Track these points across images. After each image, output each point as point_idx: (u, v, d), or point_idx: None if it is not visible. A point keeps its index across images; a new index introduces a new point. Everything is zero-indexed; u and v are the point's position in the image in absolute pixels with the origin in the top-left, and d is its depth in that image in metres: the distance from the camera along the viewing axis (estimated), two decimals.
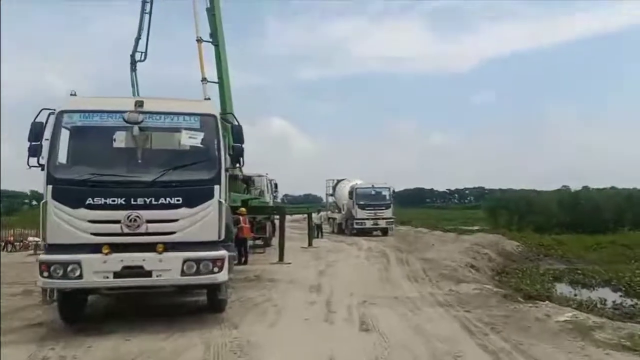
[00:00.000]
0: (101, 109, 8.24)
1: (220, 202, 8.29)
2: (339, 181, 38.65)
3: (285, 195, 61.27)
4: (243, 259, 17.53)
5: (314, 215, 30.58)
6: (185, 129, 8.42)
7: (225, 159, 8.74)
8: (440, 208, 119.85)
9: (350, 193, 33.75)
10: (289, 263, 17.43)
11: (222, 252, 8.30)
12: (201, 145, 8.44)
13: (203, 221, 8.17)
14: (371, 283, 13.28)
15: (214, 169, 8.35)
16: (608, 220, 42.63)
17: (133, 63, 21.64)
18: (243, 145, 8.91)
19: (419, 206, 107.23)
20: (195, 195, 8.18)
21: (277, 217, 33.10)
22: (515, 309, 9.80)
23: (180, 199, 8.08)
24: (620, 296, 16.99)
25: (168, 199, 8.03)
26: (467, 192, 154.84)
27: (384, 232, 33.38)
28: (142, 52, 20.40)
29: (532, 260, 24.84)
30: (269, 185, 26.69)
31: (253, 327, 8.25)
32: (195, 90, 23.98)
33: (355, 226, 32.84)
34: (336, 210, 37.86)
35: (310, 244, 24.46)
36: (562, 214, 45.89)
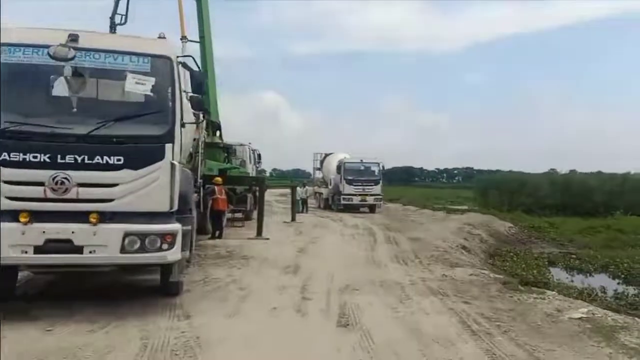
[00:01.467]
0: (25, 42, 6.60)
1: (173, 165, 6.75)
2: (326, 155, 37.08)
3: (274, 170, 59.96)
4: (217, 233, 16.07)
5: (299, 189, 29.17)
6: (132, 72, 6.80)
7: (182, 112, 7.18)
8: (429, 187, 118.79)
9: (338, 167, 32.24)
10: (267, 239, 15.98)
11: (174, 226, 6.80)
12: (151, 94, 6.86)
13: (150, 187, 6.64)
14: (356, 264, 11.87)
15: (166, 124, 6.79)
16: (599, 204, 41.74)
17: (112, 26, 19.50)
18: (203, 97, 7.32)
19: (408, 184, 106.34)
20: (141, 154, 6.63)
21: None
22: (519, 301, 8.44)
23: (122, 158, 6.53)
24: (619, 283, 15.84)
25: (106, 157, 6.48)
26: (455, 171, 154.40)
27: (372, 208, 32.01)
28: (122, 15, 18.29)
29: (525, 242, 23.65)
30: (251, 155, 25.08)
31: (208, 317, 6.79)
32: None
33: (342, 202, 31.43)
34: (323, 185, 36.38)
35: (293, 219, 23.05)
36: (553, 197, 44.91)
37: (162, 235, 6.66)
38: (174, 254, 6.75)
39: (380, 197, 32.45)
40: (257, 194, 23.08)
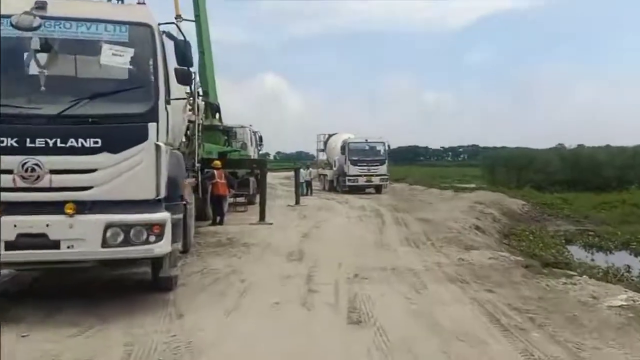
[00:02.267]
0: None
1: (158, 147, 5.98)
2: (330, 136, 36.19)
3: (278, 153, 59.16)
4: (219, 219, 15.36)
5: (302, 171, 28.39)
6: (108, 42, 6.00)
7: (167, 87, 6.39)
8: (434, 165, 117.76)
9: (342, 148, 31.35)
10: (270, 223, 15.26)
11: (162, 215, 6.05)
12: (130, 67, 6.06)
13: (133, 172, 5.88)
14: (364, 249, 11.14)
15: (149, 101, 6.00)
16: (611, 178, 40.84)
17: None
18: (192, 70, 6.51)
19: (413, 163, 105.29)
20: (121, 136, 5.86)
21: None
22: (548, 287, 7.70)
23: (99, 141, 5.76)
24: None
25: (81, 140, 5.71)
26: (461, 149, 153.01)
27: (378, 189, 31.22)
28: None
29: (539, 220, 22.87)
30: (252, 137, 24.27)
31: (203, 315, 6.07)
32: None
33: (347, 183, 30.62)
34: (327, 167, 35.56)
35: (297, 202, 22.32)
36: (563, 172, 44.01)
37: (149, 226, 5.92)
38: (162, 247, 6.01)
39: (386, 177, 31.64)
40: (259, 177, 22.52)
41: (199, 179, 13.40)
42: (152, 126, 5.95)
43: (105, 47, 5.96)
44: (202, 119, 16.16)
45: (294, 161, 29.96)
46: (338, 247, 11.37)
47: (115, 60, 5.96)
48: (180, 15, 21.52)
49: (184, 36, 6.47)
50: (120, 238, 5.81)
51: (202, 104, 16.20)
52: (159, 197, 6.09)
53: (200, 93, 21.29)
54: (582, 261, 14.08)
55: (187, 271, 8.61)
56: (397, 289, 7.44)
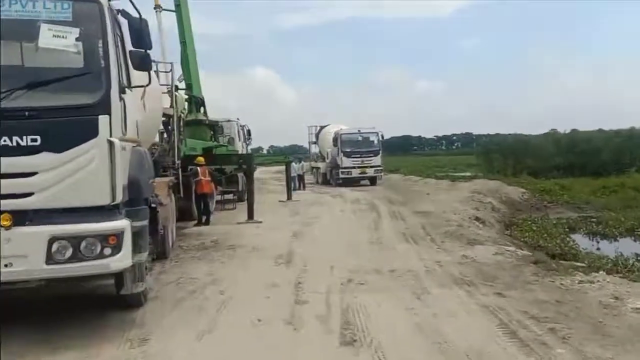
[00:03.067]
0: None
1: (111, 143, 5.08)
2: (322, 127, 35.27)
3: (271, 147, 58.21)
4: (204, 218, 14.47)
5: (294, 165, 27.50)
6: (47, 22, 5.08)
7: (122, 73, 5.48)
8: (428, 155, 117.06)
9: (335, 140, 30.46)
10: (260, 222, 14.39)
11: (119, 223, 5.15)
12: (74, 50, 5.15)
13: (81, 174, 4.98)
14: (359, 248, 10.30)
15: (98, 89, 5.09)
16: (608, 162, 40.17)
17: None
18: (149, 52, 5.59)
19: (407, 153, 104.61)
20: (65, 132, 4.95)
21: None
22: (564, 287, 6.88)
23: (39, 138, 4.84)
24: None
25: (16, 138, 4.80)
26: (454, 138, 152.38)
27: (372, 181, 30.38)
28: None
29: (539, 208, 22.11)
30: (240, 131, 23.32)
31: (172, 339, 5.19)
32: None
33: (341, 176, 29.76)
34: (320, 159, 34.69)
35: (289, 198, 21.44)
36: (559, 157, 43.30)
37: (103, 237, 5.03)
38: (120, 261, 5.12)
39: (380, 168, 30.82)
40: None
41: (180, 177, 12.55)
42: (103, 120, 5.04)
43: (44, 28, 5.03)
44: (183, 113, 15.27)
45: (285, 155, 28.92)
46: (330, 246, 10.52)
47: (57, 42, 5.04)
48: (159, 5, 20.70)
49: (139, 13, 5.52)
50: (69, 252, 4.93)
51: (182, 96, 15.29)
52: (116, 203, 5.19)
53: (183, 86, 20.50)
54: (589, 251, 13.34)
55: (162, 280, 7.76)
56: (396, 296, 6.59)
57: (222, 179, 18.77)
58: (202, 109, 20.36)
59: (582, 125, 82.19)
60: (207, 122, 20.19)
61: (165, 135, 14.22)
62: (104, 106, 5.06)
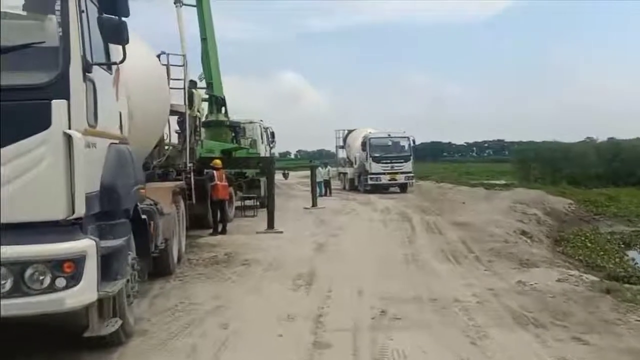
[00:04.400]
0: None
1: (69, 137, 3.80)
2: (349, 131, 33.82)
3: (299, 151, 57.12)
4: (220, 227, 13.21)
5: (320, 170, 26.15)
6: None
7: (86, 46, 4.19)
8: (459, 162, 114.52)
9: (363, 144, 28.99)
10: (280, 232, 13.06)
11: (78, 244, 3.88)
12: (23, 13, 3.91)
13: (27, 177, 3.73)
14: (391, 266, 8.87)
15: (53, 66, 3.84)
16: None
17: None
18: (123, 19, 4.27)
19: (437, 160, 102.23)
20: (6, 120, 3.69)
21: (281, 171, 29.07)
22: None
23: None
24: None
25: None
26: (486, 145, 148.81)
27: (403, 188, 28.77)
28: None
29: (587, 220, 20.26)
30: (263, 134, 22.08)
31: None
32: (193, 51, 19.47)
33: (369, 182, 28.24)
34: (347, 164, 33.22)
35: (314, 204, 20.07)
36: (601, 166, 41.02)
37: (56, 263, 3.76)
38: (80, 294, 3.84)
39: (411, 175, 29.19)
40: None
41: (192, 182, 11.31)
42: (58, 105, 3.78)
43: None
44: (200, 112, 14.09)
45: (310, 159, 27.57)
46: (359, 264, 9.12)
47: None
48: (180, 0, 19.66)
49: None
50: (8, 284, 3.67)
51: (199, 94, 14.11)
52: (77, 216, 3.91)
53: (203, 85, 19.39)
54: None
55: (157, 306, 6.48)
56: (444, 338, 5.14)
57: (243, 184, 17.60)
58: (223, 110, 19.23)
59: (618, 133, 78.52)
60: (228, 123, 19.05)
61: (174, 134, 13.11)
62: (60, 88, 3.80)
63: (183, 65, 11.54)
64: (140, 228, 5.43)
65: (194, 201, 11.23)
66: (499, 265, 8.91)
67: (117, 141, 4.88)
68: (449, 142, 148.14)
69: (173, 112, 11.28)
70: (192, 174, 11.28)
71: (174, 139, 12.13)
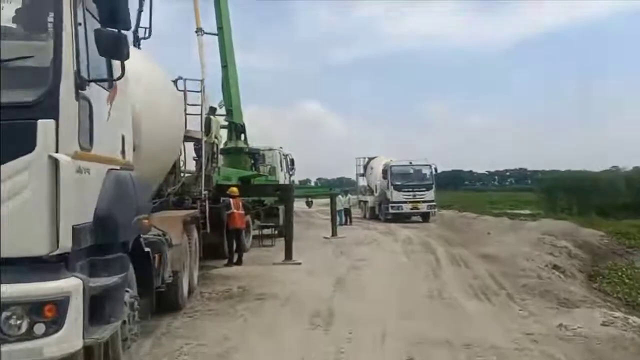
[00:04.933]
0: None
1: (56, 162, 3.35)
2: (370, 159, 33.34)
3: (319, 179, 56.62)
4: (236, 258, 12.68)
5: (340, 198, 25.61)
6: None
7: (81, 60, 3.74)
8: (480, 190, 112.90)
9: (384, 172, 28.44)
10: (299, 263, 12.48)
11: (60, 284, 3.37)
12: (12, 25, 3.51)
13: (7, 207, 3.26)
14: (416, 304, 8.21)
15: (41, 82, 3.41)
16: None
17: (137, 41, 16.53)
18: (123, 32, 3.83)
19: (458, 189, 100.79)
20: None
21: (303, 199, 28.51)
22: None
23: None
24: None
25: None
26: (507, 173, 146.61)
27: (425, 217, 28.02)
28: (145, 28, 14.98)
29: (621, 254, 19.19)
30: (282, 161, 21.68)
31: None
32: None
33: (391, 210, 27.56)
34: (368, 192, 32.63)
35: (334, 234, 19.49)
36: (629, 196, 39.65)
37: (35, 307, 3.26)
38: (60, 343, 3.31)
39: (433, 203, 28.45)
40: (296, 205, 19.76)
41: (207, 210, 10.86)
42: (44, 126, 3.33)
43: None
44: (217, 139, 13.73)
45: (330, 187, 27.04)
46: (381, 300, 8.47)
47: None
48: (201, 28, 19.58)
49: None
50: None
51: (217, 121, 13.77)
52: (62, 252, 3.42)
53: (223, 112, 19.14)
54: None
55: (163, 347, 5.95)
56: None
57: (261, 212, 17.12)
58: (242, 136, 18.93)
59: None
60: (247, 150, 18.70)
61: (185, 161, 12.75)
62: (48, 106, 3.36)
63: (201, 92, 11.22)
64: (143, 262, 4.95)
65: (208, 230, 10.76)
66: (535, 305, 8.19)
67: (118, 167, 4.43)
68: (470, 171, 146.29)
69: (189, 139, 10.94)
70: (207, 201, 10.83)
71: (191, 166, 11.76)
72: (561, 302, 8.31)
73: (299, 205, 31.54)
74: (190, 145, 11.46)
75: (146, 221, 4.88)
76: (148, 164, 7.06)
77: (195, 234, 9.25)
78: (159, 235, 6.43)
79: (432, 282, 10.28)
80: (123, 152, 4.58)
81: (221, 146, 17.16)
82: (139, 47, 16.57)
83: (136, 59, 7.41)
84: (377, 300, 8.51)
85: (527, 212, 37.39)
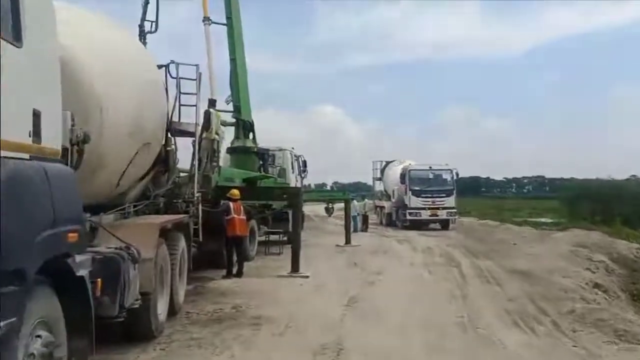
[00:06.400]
0: None
1: None
2: (387, 163, 31.87)
3: (335, 183, 55.10)
4: (236, 269, 11.28)
5: (356, 203, 24.16)
6: None
7: None
8: (498, 198, 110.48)
9: (402, 176, 26.92)
10: (306, 276, 11.07)
11: None
12: None
13: None
14: (443, 335, 6.72)
15: None
16: None
17: (142, 34, 15.32)
18: None
19: (476, 195, 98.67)
20: None
21: (315, 203, 26.93)
22: None
23: None
24: None
25: None
26: (525, 180, 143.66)
27: (444, 225, 26.44)
28: (152, 22, 13.81)
29: None
30: (294, 162, 20.26)
31: None
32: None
33: (408, 217, 26.04)
34: (384, 198, 31.11)
35: (347, 242, 18.08)
36: None
37: None
38: None
39: (454, 210, 26.87)
40: (308, 210, 18.35)
41: (199, 214, 9.48)
42: None
43: None
44: (217, 135, 12.36)
45: (344, 191, 25.56)
46: (402, 329, 7.01)
47: None
48: (208, 17, 18.26)
49: None
50: None
51: (217, 115, 12.41)
52: None
53: (230, 108, 17.80)
54: None
55: None
56: None
57: (268, 217, 15.70)
58: (250, 135, 17.58)
59: None
60: (255, 149, 17.34)
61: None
62: None
63: (196, 80, 9.84)
64: (77, 290, 3.57)
65: (200, 238, 9.38)
66: (589, 338, 6.68)
67: (25, 155, 3.04)
68: (488, 177, 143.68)
69: (183, 133, 9.63)
70: (200, 205, 9.45)
71: (186, 165, 10.43)
72: (619, 335, 6.77)
73: (316, 210, 30.10)
74: (187, 142, 10.16)
75: (74, 235, 3.48)
76: (109, 159, 5.71)
77: (182, 244, 7.88)
78: (117, 250, 5.05)
79: (460, 304, 8.77)
80: (37, 135, 3.19)
81: (226, 144, 15.90)
82: (144, 42, 15.37)
83: (94, 23, 6.11)
84: (397, 328, 7.04)
85: (548, 220, 35.70)
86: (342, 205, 27.67)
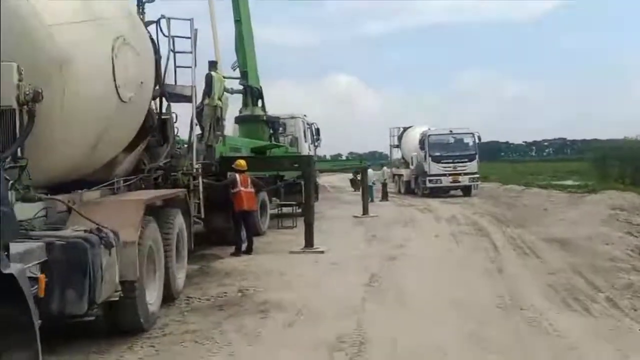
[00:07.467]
0: None
1: None
2: (405, 129, 30.61)
3: (351, 153, 53.95)
4: (246, 245, 10.36)
5: (372, 172, 23.09)
6: None
7: None
8: (518, 162, 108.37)
9: (421, 142, 25.70)
10: (321, 251, 10.11)
11: None
12: None
13: None
14: (485, 321, 5.69)
15: None
16: None
17: (140, 5, 14.15)
18: None
19: (495, 160, 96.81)
20: None
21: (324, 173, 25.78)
22: None
23: None
24: None
25: None
26: (546, 144, 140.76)
27: (466, 191, 25.23)
28: None
29: None
30: (307, 130, 19.13)
31: None
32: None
33: (428, 184, 24.91)
34: (403, 165, 29.94)
35: (365, 212, 17.06)
36: None
37: None
38: None
39: (476, 176, 25.62)
40: (321, 180, 17.30)
41: (200, 188, 8.51)
42: None
43: None
44: (220, 101, 11.33)
45: (361, 160, 24.41)
46: (431, 313, 6.03)
47: None
48: None
49: None
50: None
51: (219, 77, 11.35)
52: None
53: (237, 74, 16.69)
54: None
55: None
56: None
57: (281, 189, 14.73)
58: (259, 102, 16.46)
59: None
60: (264, 118, 16.24)
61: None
62: None
63: (191, 38, 8.73)
64: (8, 291, 2.63)
65: (202, 215, 8.44)
66: None
67: None
68: (507, 142, 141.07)
69: (177, 97, 8.63)
70: (200, 178, 8.47)
71: (185, 135, 9.45)
72: None
73: (333, 182, 28.68)
74: (183, 108, 9.14)
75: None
76: (77, 121, 4.72)
77: (178, 222, 6.91)
78: (84, 234, 4.09)
79: (497, 280, 7.73)
80: None
81: (231, 112, 14.85)
82: (142, 12, 14.26)
83: None
84: (427, 313, 6.05)
85: (575, 183, 34.30)
86: (347, 175, 26.60)
